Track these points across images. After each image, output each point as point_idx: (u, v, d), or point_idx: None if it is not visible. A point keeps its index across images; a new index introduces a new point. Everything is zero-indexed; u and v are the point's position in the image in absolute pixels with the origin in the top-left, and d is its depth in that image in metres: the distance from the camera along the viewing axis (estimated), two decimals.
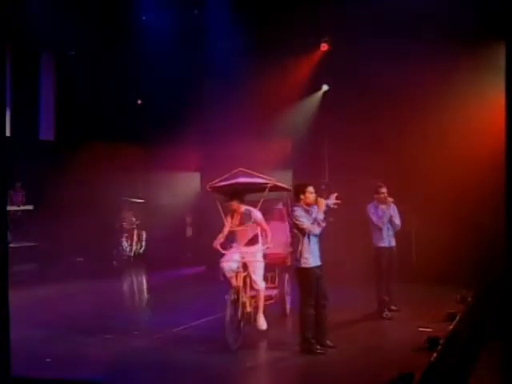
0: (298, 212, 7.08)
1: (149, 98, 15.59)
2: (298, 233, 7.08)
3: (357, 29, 12.01)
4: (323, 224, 7.02)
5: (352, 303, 9.43)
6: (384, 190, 8.90)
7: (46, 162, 14.35)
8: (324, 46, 13.65)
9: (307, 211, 7.11)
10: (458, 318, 7.80)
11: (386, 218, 8.83)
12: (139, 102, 15.95)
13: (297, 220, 7.05)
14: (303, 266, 7.03)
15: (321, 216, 6.98)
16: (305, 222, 7.02)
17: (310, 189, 7.14)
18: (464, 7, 11.03)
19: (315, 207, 7.11)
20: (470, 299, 9.03)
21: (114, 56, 14.65)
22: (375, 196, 8.96)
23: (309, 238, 7.03)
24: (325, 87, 14.25)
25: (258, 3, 13.15)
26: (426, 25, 11.69)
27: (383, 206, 8.87)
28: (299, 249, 7.04)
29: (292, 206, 7.20)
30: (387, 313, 8.70)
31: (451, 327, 7.22)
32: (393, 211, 8.90)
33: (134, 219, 15.71)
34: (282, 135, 14.47)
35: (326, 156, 13.93)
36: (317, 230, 7.01)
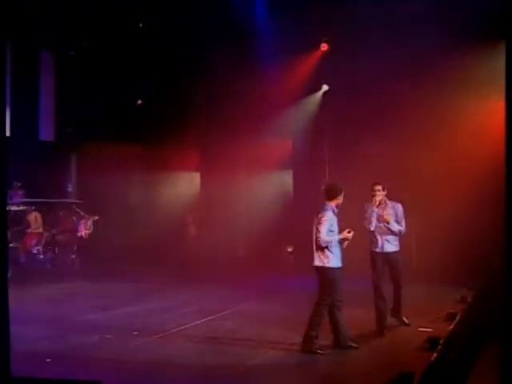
0: (329, 215, 7.10)
1: (149, 98, 15.61)
2: None
3: (357, 29, 12.03)
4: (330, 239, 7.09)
5: (352, 303, 9.42)
6: (378, 187, 8.05)
7: (46, 162, 14.36)
8: (324, 46, 13.70)
9: (335, 213, 7.20)
10: (458, 317, 7.78)
11: (374, 218, 8.02)
12: (139, 101, 15.97)
13: (321, 224, 7.06)
14: (329, 265, 7.10)
15: (338, 238, 7.12)
16: (323, 232, 7.03)
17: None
18: (464, 7, 11.04)
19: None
20: (469, 299, 9.01)
21: (113, 56, 14.66)
22: (371, 193, 8.14)
23: None
24: (325, 87, 14.28)
25: (259, 3, 13.17)
26: (426, 25, 11.71)
27: (372, 206, 8.03)
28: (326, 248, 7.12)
29: (324, 206, 7.18)
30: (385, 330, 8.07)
31: (451, 327, 7.20)
32: (391, 213, 8.08)
33: (37, 223, 13.92)
34: (282, 135, 14.49)
35: (326, 156, 13.94)
36: (324, 244, 7.06)
